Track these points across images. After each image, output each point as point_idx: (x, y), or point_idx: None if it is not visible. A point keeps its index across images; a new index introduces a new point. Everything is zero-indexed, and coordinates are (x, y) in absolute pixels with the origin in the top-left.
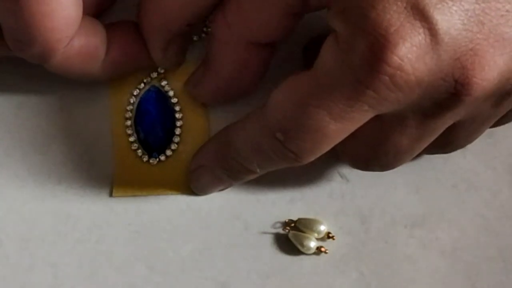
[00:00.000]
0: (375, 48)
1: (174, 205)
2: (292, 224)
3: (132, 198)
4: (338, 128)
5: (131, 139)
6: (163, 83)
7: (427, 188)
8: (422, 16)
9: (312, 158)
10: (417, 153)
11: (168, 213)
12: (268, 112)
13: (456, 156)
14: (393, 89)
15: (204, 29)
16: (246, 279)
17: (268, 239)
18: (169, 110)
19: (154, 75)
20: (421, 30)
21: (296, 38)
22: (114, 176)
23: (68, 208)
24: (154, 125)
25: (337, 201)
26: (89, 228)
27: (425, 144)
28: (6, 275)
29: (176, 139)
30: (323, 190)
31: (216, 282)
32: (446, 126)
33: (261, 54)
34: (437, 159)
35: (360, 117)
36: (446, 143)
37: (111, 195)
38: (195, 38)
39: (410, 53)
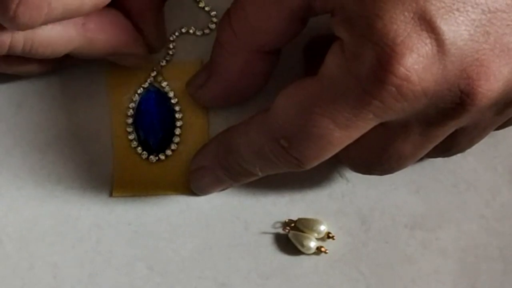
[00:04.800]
0: (381, 59)
1: (174, 205)
2: (292, 224)
3: (132, 198)
4: (342, 136)
5: (131, 137)
6: (163, 83)
7: (427, 188)
8: (429, 26)
9: (315, 164)
10: (418, 158)
11: (168, 213)
12: (271, 117)
13: (456, 157)
14: (399, 99)
15: (209, 25)
16: (246, 279)
17: (268, 239)
18: (169, 110)
19: (154, 73)
20: (428, 41)
21: (296, 38)
22: (114, 176)
23: (68, 208)
24: (154, 125)
25: (337, 201)
26: (89, 228)
27: (427, 150)
28: (6, 275)
29: (176, 139)
30: (323, 190)
31: (216, 282)
32: (449, 133)
33: (266, 61)
34: (437, 159)
35: (364, 125)
36: (448, 148)
37: (111, 195)
38: (198, 33)
39: (417, 63)
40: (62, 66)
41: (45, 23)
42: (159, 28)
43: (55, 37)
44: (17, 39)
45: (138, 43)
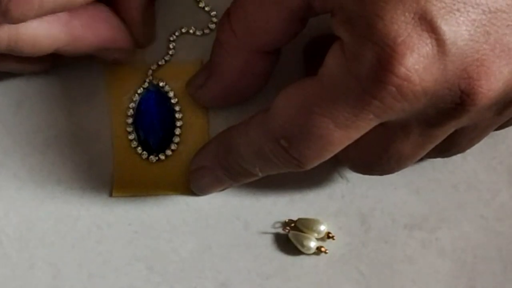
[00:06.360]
0: (382, 59)
1: (174, 205)
2: (292, 224)
3: (132, 198)
4: (342, 136)
5: (131, 137)
6: (163, 83)
7: (427, 188)
8: (430, 26)
9: (315, 164)
10: (418, 158)
11: (168, 213)
12: (271, 117)
13: (456, 157)
14: (399, 99)
15: (209, 25)
16: (246, 279)
17: (268, 239)
18: (169, 110)
19: (154, 73)
20: (428, 41)
21: (296, 38)
22: (114, 176)
23: (68, 208)
24: (154, 125)
25: (337, 201)
26: (89, 228)
27: (427, 151)
28: (6, 275)
29: (176, 139)
30: (323, 190)
31: (216, 282)
32: (449, 133)
33: (266, 61)
34: (437, 159)
35: (364, 125)
36: (447, 148)
37: (111, 195)
38: (198, 33)
39: (417, 64)
40: (57, 65)
41: (37, 16)
42: (146, 24)
43: (40, 35)
44: (1, 36)
45: (125, 38)
